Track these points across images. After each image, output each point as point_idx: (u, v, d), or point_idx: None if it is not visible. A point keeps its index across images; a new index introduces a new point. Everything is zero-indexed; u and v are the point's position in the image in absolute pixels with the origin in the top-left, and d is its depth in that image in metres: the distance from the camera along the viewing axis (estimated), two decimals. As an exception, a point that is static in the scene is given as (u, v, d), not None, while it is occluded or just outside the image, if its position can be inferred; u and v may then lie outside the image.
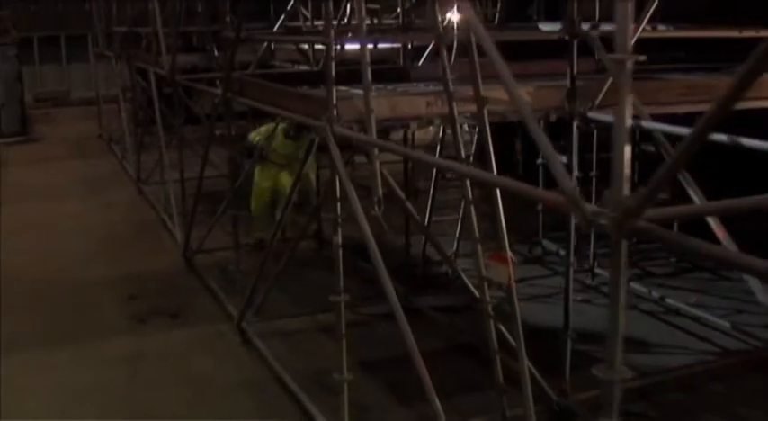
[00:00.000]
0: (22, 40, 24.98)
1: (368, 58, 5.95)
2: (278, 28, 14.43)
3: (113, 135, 21.34)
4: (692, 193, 5.79)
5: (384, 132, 7.56)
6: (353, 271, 10.19)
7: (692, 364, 8.19)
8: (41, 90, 30.07)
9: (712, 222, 5.63)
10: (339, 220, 6.19)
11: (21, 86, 24.20)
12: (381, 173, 6.11)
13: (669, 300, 9.61)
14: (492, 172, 5.44)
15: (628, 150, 3.24)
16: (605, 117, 6.48)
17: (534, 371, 6.96)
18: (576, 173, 7.07)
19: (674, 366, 8.13)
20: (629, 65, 3.19)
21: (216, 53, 12.79)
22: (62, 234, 13.56)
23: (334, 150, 5.88)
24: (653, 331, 9.02)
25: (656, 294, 9.77)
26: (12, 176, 18.35)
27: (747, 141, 5.44)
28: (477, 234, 6.43)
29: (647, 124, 6.21)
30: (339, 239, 6.23)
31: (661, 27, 9.72)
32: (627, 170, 3.19)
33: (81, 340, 9.18)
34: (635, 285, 10.02)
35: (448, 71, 5.97)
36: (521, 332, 5.92)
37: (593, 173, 10.45)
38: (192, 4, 15.50)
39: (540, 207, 11.59)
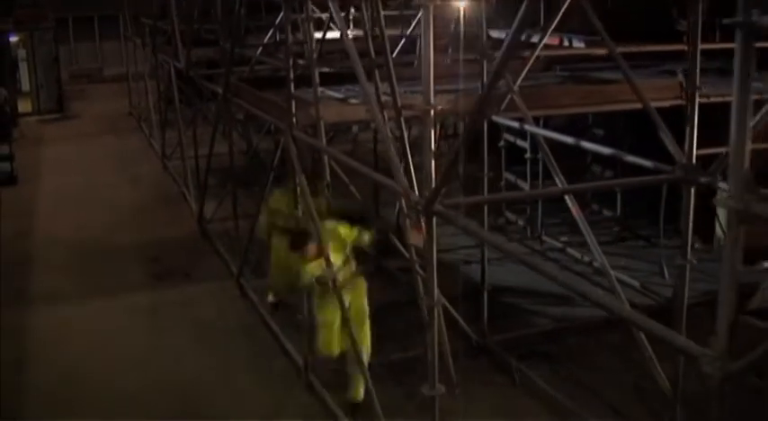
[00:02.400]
0: (58, 20, 26.82)
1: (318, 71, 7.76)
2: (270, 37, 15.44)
3: (142, 113, 23.17)
4: (557, 181, 7.59)
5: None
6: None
7: (598, 315, 9.92)
8: (76, 67, 31.97)
9: (569, 201, 7.42)
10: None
11: (57, 67, 26.10)
12: (330, 165, 8.01)
13: (595, 263, 11.40)
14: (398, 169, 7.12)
15: (432, 144, 5.13)
16: (504, 120, 8.37)
17: (459, 317, 8.92)
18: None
19: (583, 316, 9.75)
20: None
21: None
22: (95, 204, 15.59)
23: (293, 151, 7.81)
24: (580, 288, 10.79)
25: (587, 258, 11.55)
26: (50, 151, 20.46)
27: (585, 143, 7.30)
28: (405, 210, 8.14)
29: (530, 127, 8.06)
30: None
31: (577, 43, 11.55)
32: (432, 169, 5.09)
33: (109, 294, 11.20)
34: (571, 250, 11.86)
35: (377, 80, 7.59)
36: (435, 285, 7.67)
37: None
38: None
39: (502, 184, 13.42)
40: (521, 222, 13.33)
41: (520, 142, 12.92)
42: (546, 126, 12.69)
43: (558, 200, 10.16)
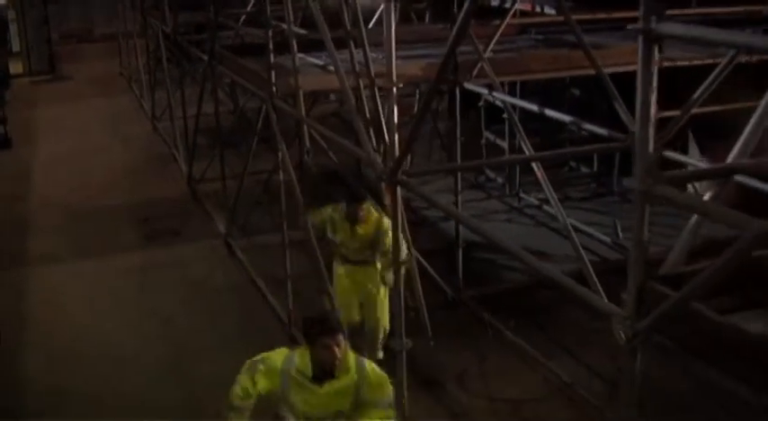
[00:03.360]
0: (48, -20, 26.90)
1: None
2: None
3: (132, 74, 23.34)
4: (525, 148, 8.01)
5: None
6: (324, 195, 12.65)
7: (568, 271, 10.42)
8: (66, 27, 32.04)
9: (535, 167, 7.84)
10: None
11: (47, 29, 26.25)
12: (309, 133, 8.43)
13: (570, 220, 11.85)
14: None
15: (395, 116, 5.54)
16: (476, 87, 8.77)
17: (433, 273, 9.40)
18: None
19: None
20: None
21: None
22: (87, 166, 15.95)
23: (273, 120, 8.22)
24: (554, 244, 11.21)
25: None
26: (42, 114, 20.78)
27: (548, 111, 7.71)
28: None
29: (497, 95, 8.46)
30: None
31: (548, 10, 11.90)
32: (396, 140, 5.51)
33: (103, 254, 11.64)
34: (547, 207, 12.30)
35: (352, 48, 7.86)
36: (401, 249, 8.01)
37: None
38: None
39: (483, 141, 13.85)
40: (500, 180, 13.76)
41: (498, 102, 13.29)
42: (524, 86, 13.13)
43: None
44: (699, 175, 4.86)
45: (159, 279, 10.86)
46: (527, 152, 7.85)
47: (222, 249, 11.57)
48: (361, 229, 8.05)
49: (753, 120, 4.71)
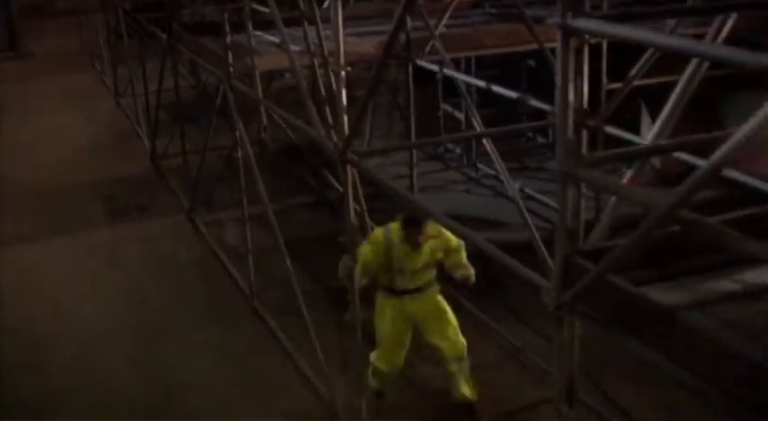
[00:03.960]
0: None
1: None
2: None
3: (95, 50, 23.26)
4: (475, 123, 8.28)
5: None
6: (283, 171, 12.90)
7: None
8: (26, 1, 31.79)
9: (486, 143, 8.11)
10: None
11: (7, 3, 26.08)
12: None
13: (527, 189, 12.13)
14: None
15: (343, 99, 5.77)
16: (428, 64, 9.02)
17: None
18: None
19: (509, 239, 10.53)
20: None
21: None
22: (52, 143, 16.08)
23: (231, 99, 8.43)
24: (510, 213, 11.49)
25: (518, 185, 12.26)
26: (4, 91, 20.77)
27: (495, 87, 7.98)
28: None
29: (447, 71, 8.70)
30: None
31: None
32: (345, 120, 5.76)
33: (71, 232, 11.84)
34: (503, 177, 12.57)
35: (306, 27, 8.03)
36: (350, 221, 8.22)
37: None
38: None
39: (440, 113, 14.08)
40: (458, 150, 14.03)
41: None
42: (481, 59, 13.36)
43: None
44: (618, 156, 5.13)
45: (126, 254, 11.09)
46: (477, 127, 8.10)
47: (186, 225, 11.80)
48: (426, 247, 7.06)
49: (673, 96, 4.99)
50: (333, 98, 7.48)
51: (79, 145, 15.98)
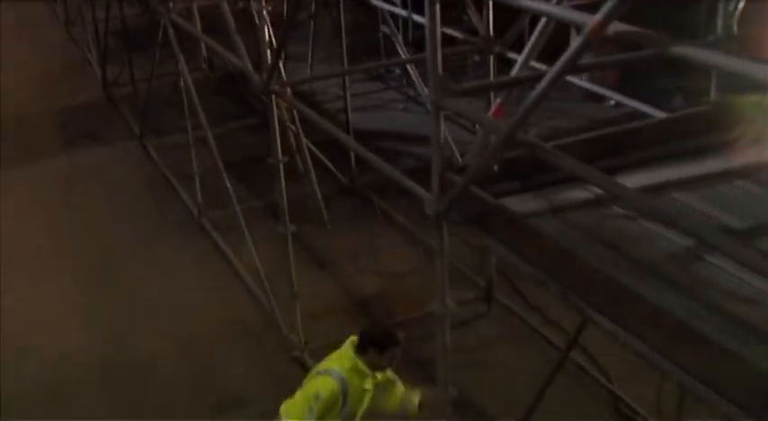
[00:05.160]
0: None
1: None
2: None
3: None
4: (401, 51, 8.91)
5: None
6: (228, 95, 13.51)
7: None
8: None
9: (409, 68, 8.75)
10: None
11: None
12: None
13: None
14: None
15: (266, 34, 6.42)
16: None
17: (328, 163, 10.40)
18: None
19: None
20: None
21: None
22: (5, 75, 16.41)
23: (171, 34, 9.01)
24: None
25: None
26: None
27: (415, 17, 8.61)
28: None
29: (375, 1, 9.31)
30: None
31: None
32: (267, 52, 6.40)
33: (29, 161, 12.39)
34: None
35: None
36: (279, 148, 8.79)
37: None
38: None
39: (381, 33, 14.64)
40: (398, 71, 14.65)
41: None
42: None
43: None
44: (480, 88, 5.81)
45: (83, 180, 11.76)
46: (402, 54, 8.76)
47: (137, 150, 12.42)
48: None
49: (538, 27, 5.63)
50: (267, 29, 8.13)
51: (31, 75, 16.37)
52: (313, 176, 9.71)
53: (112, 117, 13.94)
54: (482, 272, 8.46)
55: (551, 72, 3.38)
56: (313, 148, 10.30)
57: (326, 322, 8.04)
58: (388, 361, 5.56)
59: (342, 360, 5.45)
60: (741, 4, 5.49)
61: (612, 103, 11.61)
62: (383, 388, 5.75)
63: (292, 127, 9.79)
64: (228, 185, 8.54)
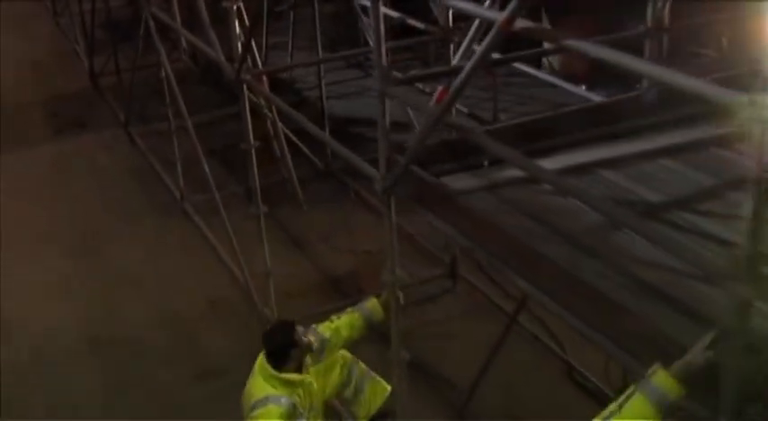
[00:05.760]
0: None
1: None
2: None
3: None
4: (368, 37, 9.36)
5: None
6: (215, 82, 13.92)
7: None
8: None
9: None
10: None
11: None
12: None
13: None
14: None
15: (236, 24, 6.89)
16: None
17: (303, 146, 10.88)
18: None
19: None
20: None
21: None
22: (-4, 65, 16.97)
23: (152, 27, 9.49)
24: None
25: (428, 90, 13.39)
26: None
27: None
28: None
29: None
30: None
31: None
32: (239, 43, 6.86)
33: (20, 148, 12.85)
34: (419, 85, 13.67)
35: None
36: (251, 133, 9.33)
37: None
38: None
39: (360, 25, 15.06)
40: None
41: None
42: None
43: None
44: (422, 77, 6.29)
45: (71, 166, 12.23)
46: (370, 42, 9.16)
47: (123, 137, 12.88)
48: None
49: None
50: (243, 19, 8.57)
51: (21, 65, 16.81)
52: (289, 161, 10.18)
53: (99, 105, 14.41)
54: (448, 250, 8.91)
55: (469, 64, 3.86)
56: (290, 134, 10.76)
57: (300, 299, 8.49)
58: (302, 354, 5.50)
59: (267, 383, 5.39)
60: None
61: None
62: (328, 367, 5.98)
63: (269, 114, 10.26)
64: (207, 171, 8.97)
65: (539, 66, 12.54)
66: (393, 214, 5.09)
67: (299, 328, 5.55)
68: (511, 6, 3.53)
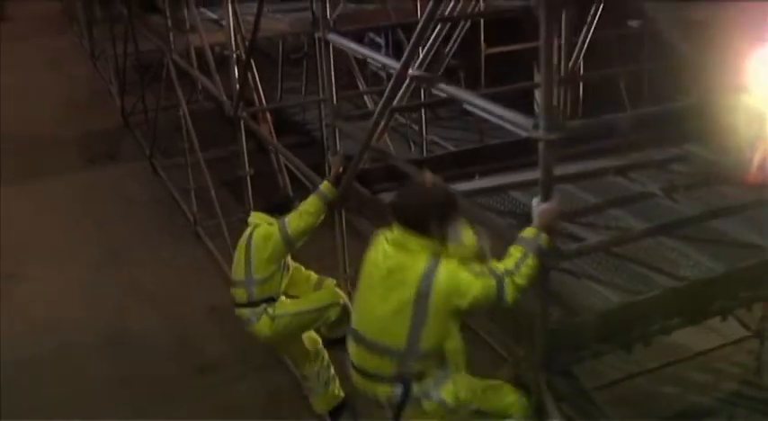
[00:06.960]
0: None
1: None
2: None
3: (73, 13, 25.04)
4: (359, 82, 10.68)
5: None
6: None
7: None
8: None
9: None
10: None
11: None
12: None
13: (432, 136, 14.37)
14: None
15: (235, 72, 8.22)
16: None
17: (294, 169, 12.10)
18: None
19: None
20: None
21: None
22: (34, 101, 18.50)
23: (173, 73, 10.82)
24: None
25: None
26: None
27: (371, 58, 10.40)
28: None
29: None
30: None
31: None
32: (237, 84, 8.18)
33: (53, 175, 14.35)
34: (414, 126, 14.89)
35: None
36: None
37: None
38: None
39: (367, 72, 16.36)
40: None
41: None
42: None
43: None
44: (365, 115, 7.55)
45: (100, 194, 13.64)
46: (360, 86, 10.51)
47: (148, 168, 14.28)
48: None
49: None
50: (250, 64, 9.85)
51: (60, 103, 18.36)
52: (289, 188, 11.43)
53: (129, 140, 15.87)
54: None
55: (376, 113, 5.16)
56: (290, 166, 12.00)
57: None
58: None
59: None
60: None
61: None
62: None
63: (273, 145, 11.53)
64: (215, 199, 10.19)
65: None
66: (343, 221, 6.35)
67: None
68: (403, 58, 4.81)
